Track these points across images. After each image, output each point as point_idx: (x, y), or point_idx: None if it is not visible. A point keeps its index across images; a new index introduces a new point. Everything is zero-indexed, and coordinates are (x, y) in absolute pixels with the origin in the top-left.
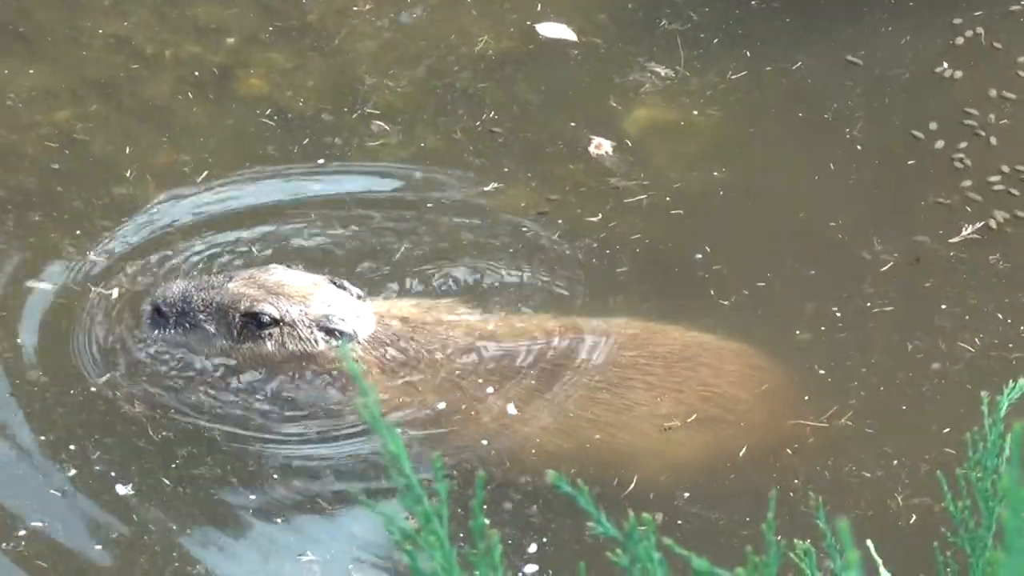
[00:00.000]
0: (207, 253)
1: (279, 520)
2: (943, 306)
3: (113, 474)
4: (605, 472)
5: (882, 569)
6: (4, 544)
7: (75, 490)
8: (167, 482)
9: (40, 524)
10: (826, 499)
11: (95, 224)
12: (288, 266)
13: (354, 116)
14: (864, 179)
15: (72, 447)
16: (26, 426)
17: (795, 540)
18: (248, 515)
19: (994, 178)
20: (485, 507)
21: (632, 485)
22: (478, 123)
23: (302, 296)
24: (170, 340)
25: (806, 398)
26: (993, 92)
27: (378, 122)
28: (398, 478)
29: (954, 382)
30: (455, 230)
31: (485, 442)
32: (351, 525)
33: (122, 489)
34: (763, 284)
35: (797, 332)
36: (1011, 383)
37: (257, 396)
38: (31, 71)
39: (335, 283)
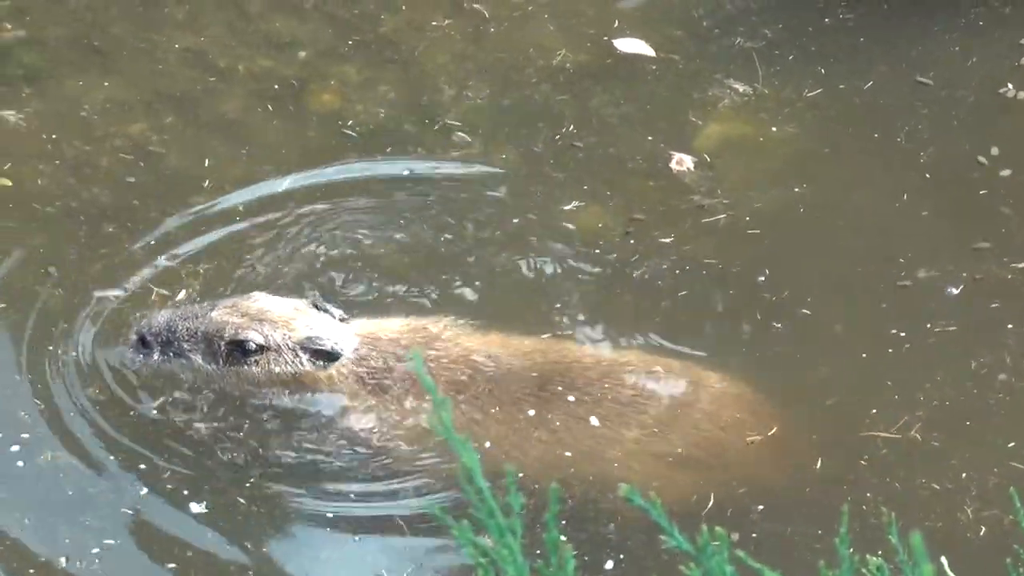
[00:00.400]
0: (287, 261)
1: (357, 538)
2: (1009, 326)
3: (186, 492)
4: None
5: None
6: (78, 562)
7: (148, 508)
8: (242, 501)
9: (113, 542)
10: (896, 510)
11: (168, 235)
12: (272, 292)
13: (436, 128)
14: (933, 203)
15: (143, 466)
16: (96, 444)
17: (868, 556)
18: (325, 533)
19: None
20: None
21: (711, 502)
22: (557, 136)
23: (285, 321)
24: (156, 368)
25: (873, 411)
26: None
27: (460, 133)
28: (472, 491)
29: (1020, 397)
30: (532, 246)
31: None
32: (429, 542)
33: (196, 507)
34: (826, 304)
35: (863, 354)
36: None
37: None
38: (106, 84)
39: (317, 306)
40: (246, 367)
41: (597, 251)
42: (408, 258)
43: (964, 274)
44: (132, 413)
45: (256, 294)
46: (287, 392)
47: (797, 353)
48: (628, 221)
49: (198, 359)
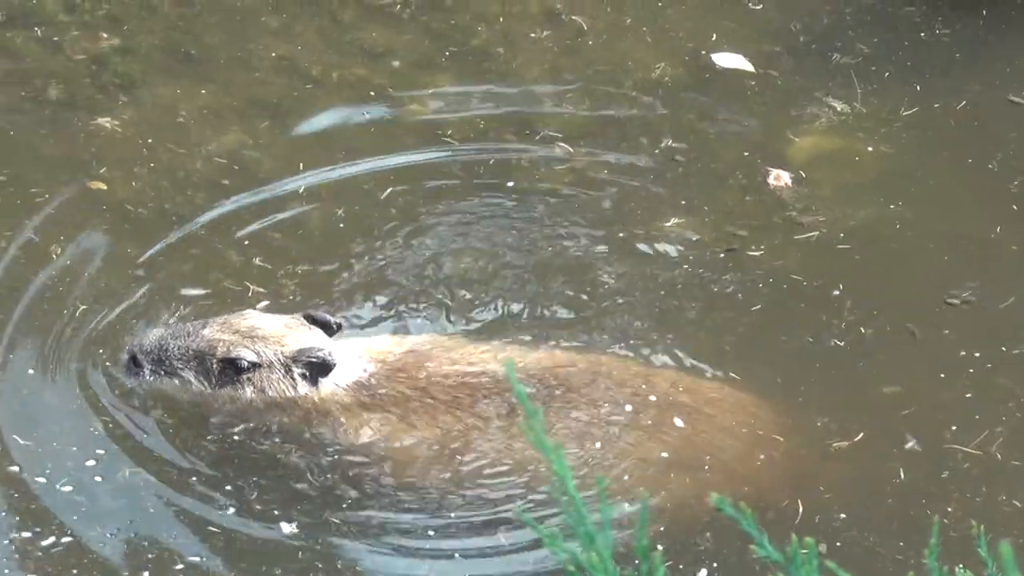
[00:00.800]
0: (382, 266)
1: (456, 555)
2: None
3: (276, 512)
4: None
5: None
6: None
7: (236, 528)
8: (336, 521)
9: (198, 559)
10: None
11: (263, 237)
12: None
13: (537, 138)
14: (1021, 236)
15: (228, 487)
16: (179, 461)
17: (957, 568)
18: (422, 550)
19: None
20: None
21: (800, 511)
22: (657, 150)
23: (276, 338)
24: (148, 387)
25: (953, 427)
26: None
27: (563, 144)
28: (562, 499)
29: None
30: (629, 259)
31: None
32: (529, 556)
33: (287, 527)
34: (907, 322)
35: (941, 374)
36: None
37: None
38: (201, 91)
39: (310, 317)
40: (239, 385)
41: (688, 266)
42: (501, 268)
43: None
44: (210, 437)
45: (248, 311)
46: (283, 414)
47: (874, 368)
48: (730, 237)
49: (190, 377)
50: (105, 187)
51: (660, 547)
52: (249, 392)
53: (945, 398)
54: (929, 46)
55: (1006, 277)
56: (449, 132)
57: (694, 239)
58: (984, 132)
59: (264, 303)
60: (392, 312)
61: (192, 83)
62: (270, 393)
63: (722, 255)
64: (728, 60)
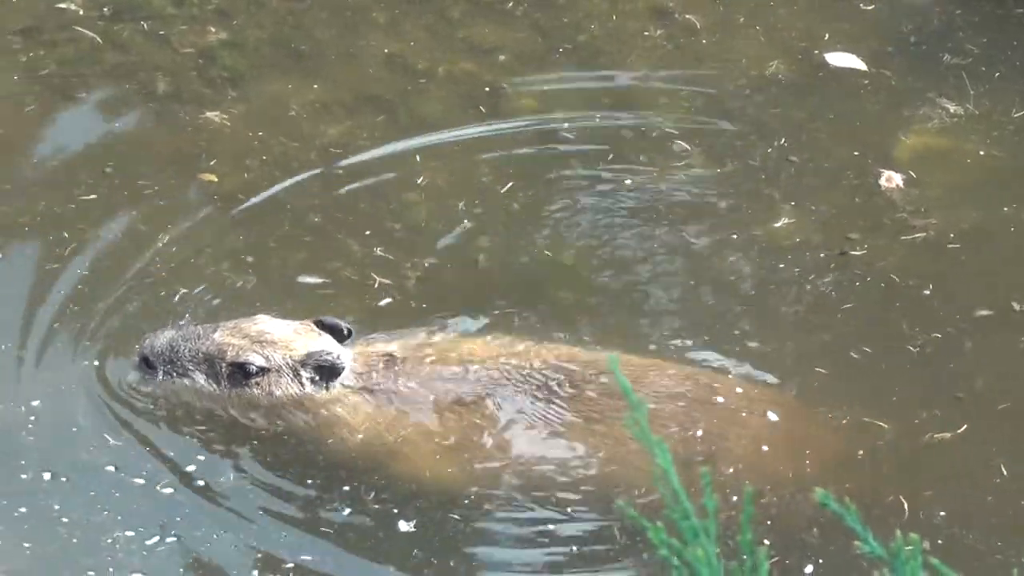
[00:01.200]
0: (502, 262)
1: (573, 547)
2: None
3: (395, 511)
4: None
5: None
6: (268, 574)
7: (348, 527)
8: (456, 517)
9: (308, 558)
10: None
11: (379, 226)
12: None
13: (654, 135)
14: None
15: (345, 488)
16: (292, 467)
17: None
18: (530, 549)
19: None
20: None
21: (906, 510)
22: (770, 149)
23: (285, 343)
24: (159, 389)
25: None
26: None
27: (680, 142)
28: (666, 493)
29: None
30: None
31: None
32: (636, 559)
33: (404, 526)
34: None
35: None
36: None
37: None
38: (314, 85)
39: (321, 323)
40: (247, 389)
41: (794, 267)
42: (617, 267)
43: None
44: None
45: (259, 316)
46: (291, 414)
47: (972, 365)
48: (842, 240)
49: (200, 379)
50: (216, 179)
51: (767, 542)
52: (258, 395)
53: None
54: None
55: None
56: (565, 127)
57: (802, 240)
58: None
59: (387, 300)
60: (510, 310)
61: (300, 78)
62: (277, 397)
63: (822, 255)
64: (841, 59)
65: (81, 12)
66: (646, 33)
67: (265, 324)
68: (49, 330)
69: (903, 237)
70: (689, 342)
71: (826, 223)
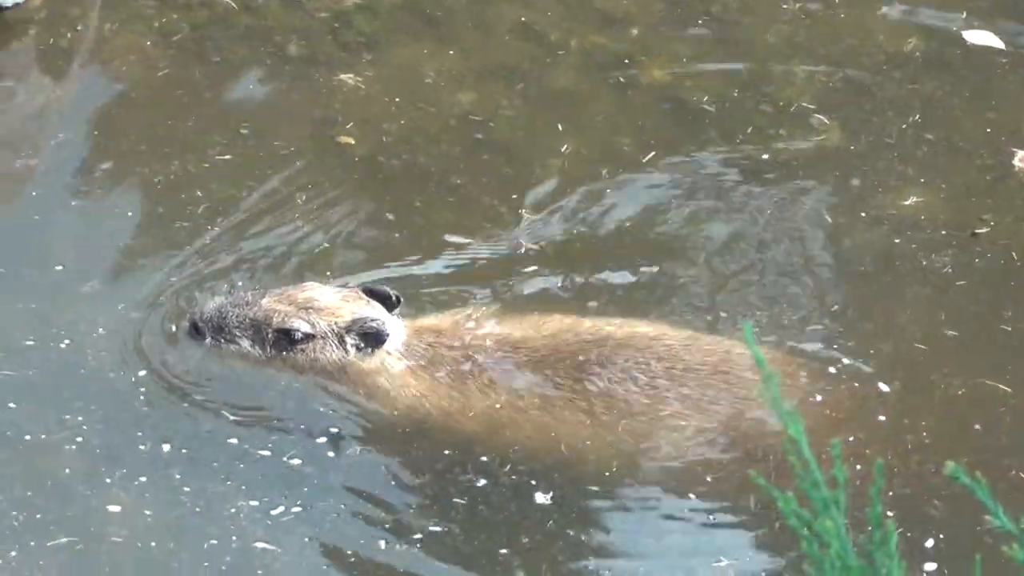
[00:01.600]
0: (645, 234)
1: (701, 522)
2: None
3: (532, 483)
4: (643, 481)
5: None
6: (398, 546)
7: (481, 499)
8: (594, 489)
9: (439, 529)
10: None
11: (524, 190)
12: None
13: (792, 109)
14: None
15: (484, 458)
16: (422, 440)
17: None
18: (666, 521)
19: None
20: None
21: None
22: (905, 125)
23: (332, 310)
24: (208, 353)
25: None
26: None
27: (819, 116)
28: (798, 464)
29: None
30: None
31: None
32: (769, 531)
33: (541, 498)
34: None
35: None
36: None
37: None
38: (450, 52)
39: (369, 290)
40: (293, 355)
41: (916, 245)
42: (744, 240)
43: None
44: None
45: (308, 283)
46: (339, 386)
47: None
48: (974, 220)
49: (246, 345)
50: (353, 141)
51: (890, 514)
52: (303, 361)
53: None
54: None
55: None
56: (704, 99)
57: (928, 218)
58: None
59: (532, 267)
60: (651, 277)
61: (433, 44)
62: (322, 364)
63: (943, 233)
64: (978, 37)
65: None
66: (784, 6)
67: (313, 291)
68: (173, 296)
69: None
70: (812, 316)
71: (956, 202)
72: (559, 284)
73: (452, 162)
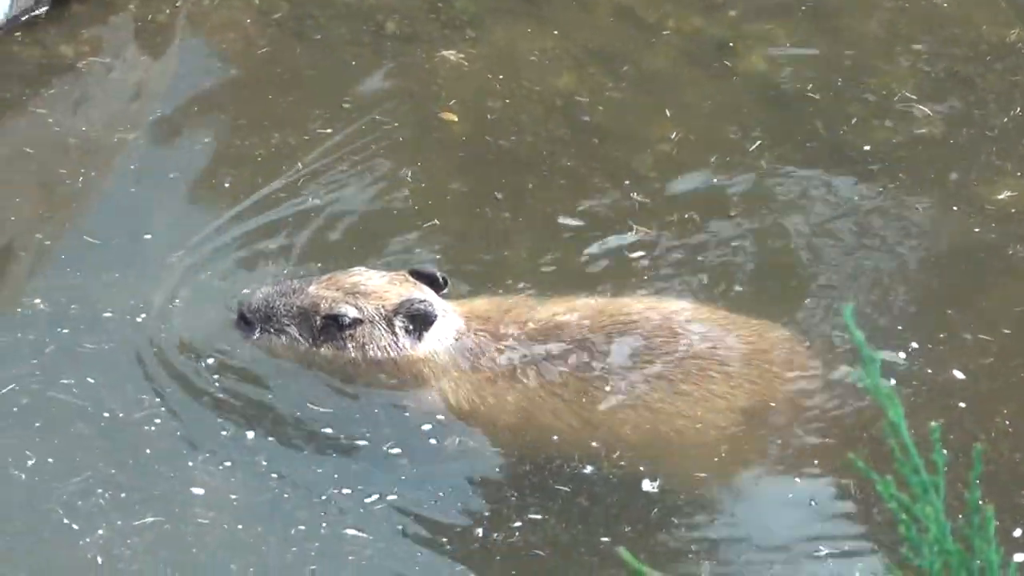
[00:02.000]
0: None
1: (803, 508)
2: None
3: (641, 468)
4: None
5: None
6: (495, 534)
7: (584, 486)
8: (703, 475)
9: (539, 516)
10: None
11: (635, 174)
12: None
13: (895, 99)
14: None
15: (594, 443)
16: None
17: None
18: (768, 508)
19: None
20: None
21: None
22: (1007, 119)
23: (379, 294)
24: (257, 345)
25: None
26: None
27: (921, 107)
28: (897, 448)
29: None
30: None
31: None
32: (867, 522)
33: (648, 485)
34: None
35: None
36: None
37: None
38: (554, 32)
39: (416, 272)
40: (341, 342)
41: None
42: (840, 233)
43: None
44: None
45: (355, 268)
46: (384, 375)
47: None
48: None
49: (295, 334)
50: (456, 118)
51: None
52: (351, 349)
53: None
54: None
55: None
56: (809, 87)
57: (1019, 211)
58: None
59: (640, 254)
60: (748, 261)
61: (534, 24)
62: (371, 350)
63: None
64: None
65: None
66: None
67: (360, 275)
68: (266, 267)
69: None
70: (897, 301)
71: None
72: (651, 265)
73: (561, 144)
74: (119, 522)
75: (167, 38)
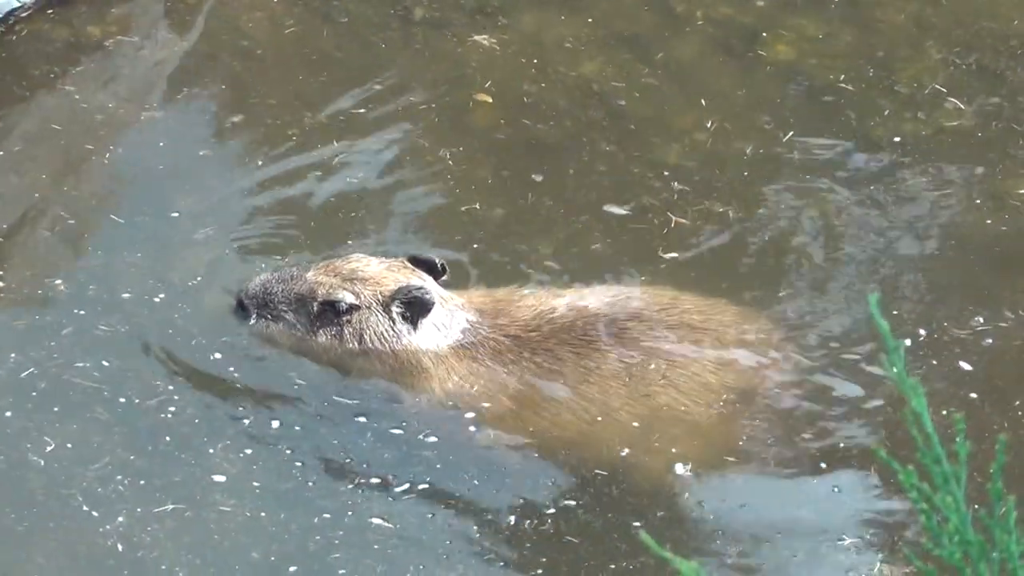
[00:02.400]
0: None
1: (826, 497)
2: None
3: (674, 451)
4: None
5: None
6: (526, 521)
7: (621, 471)
8: (732, 460)
9: (572, 503)
10: None
11: (673, 164)
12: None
13: (926, 92)
14: None
15: (635, 423)
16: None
17: None
18: (795, 495)
19: None
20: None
21: None
22: None
23: (376, 280)
24: (255, 332)
25: None
26: None
27: (953, 99)
28: (919, 437)
29: None
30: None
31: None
32: (889, 512)
33: (680, 469)
34: None
35: None
36: None
37: None
38: (588, 19)
39: (415, 259)
40: (338, 329)
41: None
42: (867, 225)
43: None
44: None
45: (353, 255)
46: (380, 362)
47: None
48: None
49: (292, 320)
50: (490, 100)
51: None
52: (348, 336)
53: None
54: None
55: None
56: (841, 77)
57: None
58: None
59: (675, 243)
60: (775, 253)
61: (565, 11)
62: (367, 338)
63: None
64: None
65: None
66: None
67: (358, 262)
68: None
69: None
70: (917, 291)
71: None
72: (685, 256)
73: (599, 130)
74: (139, 509)
75: (195, 17)
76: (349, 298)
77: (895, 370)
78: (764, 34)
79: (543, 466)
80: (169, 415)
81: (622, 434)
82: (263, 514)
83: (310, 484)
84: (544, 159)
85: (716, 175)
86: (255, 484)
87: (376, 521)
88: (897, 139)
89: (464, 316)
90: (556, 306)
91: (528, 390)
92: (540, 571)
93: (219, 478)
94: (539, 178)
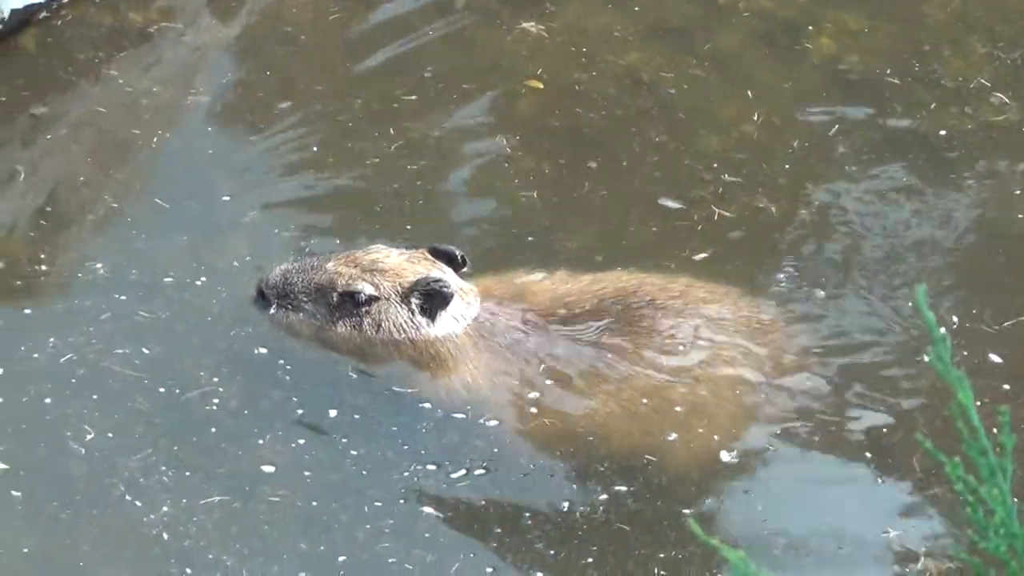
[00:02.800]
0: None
1: (871, 488)
2: None
3: (716, 438)
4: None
5: None
6: (578, 509)
7: (669, 459)
8: (770, 449)
9: (624, 489)
10: None
11: (721, 157)
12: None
13: (971, 86)
14: None
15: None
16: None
17: None
18: (838, 487)
19: None
20: None
21: None
22: None
23: (396, 271)
24: (275, 322)
25: None
26: None
27: (998, 94)
28: (965, 429)
29: None
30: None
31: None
32: (933, 503)
33: (726, 456)
34: None
35: None
36: None
37: None
38: (635, 8)
39: (435, 250)
40: (358, 319)
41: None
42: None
43: None
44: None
45: (373, 246)
46: (400, 354)
47: None
48: None
49: (312, 310)
50: (542, 86)
51: None
52: (367, 327)
53: None
54: None
55: None
56: (888, 72)
57: None
58: None
59: (702, 255)
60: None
61: (609, 1)
62: (386, 329)
63: None
64: None
65: None
66: None
67: (378, 253)
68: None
69: None
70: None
71: None
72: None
73: (650, 120)
74: (184, 500)
75: (238, 4)
76: (369, 289)
77: (941, 362)
78: (809, 27)
79: (596, 456)
80: (214, 407)
81: (642, 423)
82: (314, 504)
83: (363, 473)
84: (597, 148)
85: (763, 168)
86: (306, 474)
87: (427, 510)
88: (943, 132)
89: (482, 305)
90: (572, 290)
91: (548, 376)
92: (590, 559)
93: (268, 468)
94: (592, 164)
